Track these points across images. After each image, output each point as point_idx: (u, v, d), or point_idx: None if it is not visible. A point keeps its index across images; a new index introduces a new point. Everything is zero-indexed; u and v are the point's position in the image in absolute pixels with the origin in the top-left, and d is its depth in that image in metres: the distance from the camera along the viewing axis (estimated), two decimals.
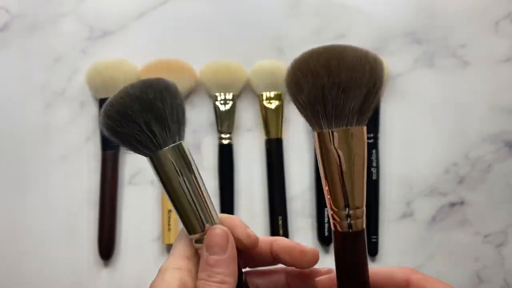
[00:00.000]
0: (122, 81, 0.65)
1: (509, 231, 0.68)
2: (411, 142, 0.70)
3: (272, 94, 0.68)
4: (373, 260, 0.67)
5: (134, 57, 0.69)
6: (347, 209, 0.29)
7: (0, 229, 0.67)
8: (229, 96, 0.69)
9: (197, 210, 0.31)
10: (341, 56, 0.29)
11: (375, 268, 0.33)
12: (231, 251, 0.31)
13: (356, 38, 0.72)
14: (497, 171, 0.69)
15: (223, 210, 0.66)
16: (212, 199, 0.32)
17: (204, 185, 0.32)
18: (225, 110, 0.68)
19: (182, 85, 0.68)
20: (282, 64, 0.68)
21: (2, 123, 0.70)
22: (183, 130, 0.33)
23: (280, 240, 0.34)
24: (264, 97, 0.68)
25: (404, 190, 0.69)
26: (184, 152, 0.32)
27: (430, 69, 0.71)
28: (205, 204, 0.32)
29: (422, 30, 0.72)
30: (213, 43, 0.72)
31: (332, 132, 0.29)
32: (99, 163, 0.67)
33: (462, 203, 0.68)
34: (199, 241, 0.32)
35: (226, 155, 0.68)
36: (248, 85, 0.70)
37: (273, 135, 0.68)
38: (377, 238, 0.67)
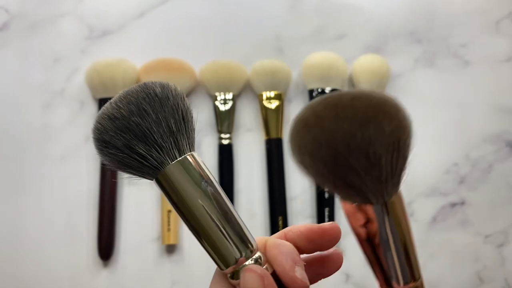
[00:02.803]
0: (121, 81, 0.65)
1: (510, 231, 0.68)
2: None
3: (272, 93, 0.68)
4: None
5: (134, 57, 0.68)
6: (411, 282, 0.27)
7: None
8: (229, 96, 0.68)
9: (226, 237, 0.26)
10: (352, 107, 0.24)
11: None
12: None
13: (356, 38, 0.71)
14: (498, 171, 0.69)
15: None
16: None
17: (229, 201, 0.27)
18: (225, 110, 0.68)
19: (181, 85, 0.68)
20: (282, 63, 0.68)
21: (1, 123, 0.69)
22: (186, 140, 0.28)
23: (293, 228, 0.30)
24: (264, 97, 0.68)
25: (404, 190, 0.68)
26: (193, 166, 0.27)
27: (430, 69, 0.71)
28: (236, 226, 0.27)
29: (422, 30, 0.72)
30: (213, 43, 0.72)
31: (384, 205, 0.26)
32: (99, 163, 0.67)
33: (462, 203, 0.68)
34: (235, 275, 0.27)
35: (226, 155, 0.68)
36: (248, 85, 0.70)
37: (273, 135, 0.68)
38: None
